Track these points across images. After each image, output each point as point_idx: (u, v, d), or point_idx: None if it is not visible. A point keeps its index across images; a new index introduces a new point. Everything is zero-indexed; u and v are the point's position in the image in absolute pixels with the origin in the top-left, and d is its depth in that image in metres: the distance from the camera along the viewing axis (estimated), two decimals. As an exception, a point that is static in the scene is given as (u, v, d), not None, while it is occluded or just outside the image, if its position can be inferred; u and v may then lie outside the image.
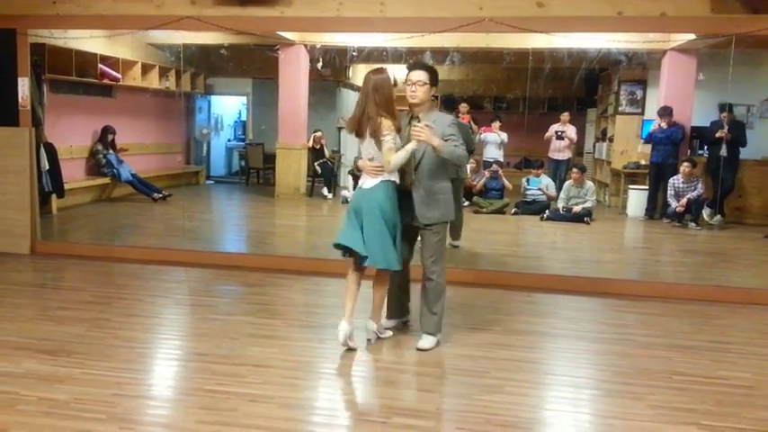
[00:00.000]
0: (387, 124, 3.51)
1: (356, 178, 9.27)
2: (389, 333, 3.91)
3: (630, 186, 8.99)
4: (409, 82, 3.64)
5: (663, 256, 7.03)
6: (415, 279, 3.96)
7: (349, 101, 11.80)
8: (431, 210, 3.65)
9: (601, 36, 6.23)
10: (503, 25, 4.97)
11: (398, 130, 3.60)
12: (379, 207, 3.54)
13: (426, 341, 3.73)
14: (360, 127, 3.60)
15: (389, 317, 4.02)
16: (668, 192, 8.19)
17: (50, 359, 3.40)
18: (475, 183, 9.35)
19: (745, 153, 8.22)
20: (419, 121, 3.57)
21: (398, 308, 4.04)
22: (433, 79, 3.66)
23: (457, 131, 3.64)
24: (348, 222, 3.65)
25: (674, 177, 8.15)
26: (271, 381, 3.22)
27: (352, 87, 11.88)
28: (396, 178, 3.63)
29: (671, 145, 8.36)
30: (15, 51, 5.72)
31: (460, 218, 6.38)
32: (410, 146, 3.54)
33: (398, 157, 3.52)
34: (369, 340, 3.78)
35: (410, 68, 3.70)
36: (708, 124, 8.37)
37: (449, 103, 6.69)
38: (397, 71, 12.01)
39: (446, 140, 3.53)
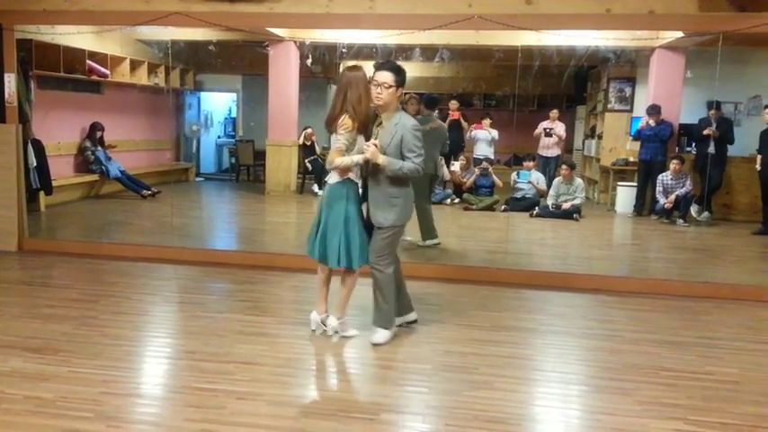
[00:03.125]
0: (346, 123, 3.50)
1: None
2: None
3: (619, 183, 9.04)
4: (375, 83, 3.54)
5: (651, 252, 7.07)
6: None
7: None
8: (385, 213, 3.60)
9: (589, 33, 6.25)
10: (492, 22, 4.98)
11: (363, 131, 3.57)
12: (344, 208, 3.60)
13: (378, 335, 3.71)
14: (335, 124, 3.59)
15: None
16: (657, 188, 8.24)
17: (37, 357, 3.37)
18: (465, 180, 9.38)
19: (732, 150, 8.29)
20: (381, 125, 3.60)
21: (398, 307, 3.89)
22: (400, 81, 3.53)
23: (419, 140, 3.54)
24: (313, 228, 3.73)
25: (663, 174, 8.20)
26: (259, 378, 3.21)
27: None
28: (356, 178, 3.63)
29: (659, 142, 8.42)
30: (1, 47, 5.67)
31: (428, 215, 6.26)
32: (357, 157, 3.54)
33: (342, 162, 3.52)
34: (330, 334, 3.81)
35: (377, 68, 3.59)
36: (696, 121, 8.43)
37: (431, 103, 6.63)
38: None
39: (407, 155, 3.50)
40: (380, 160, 3.48)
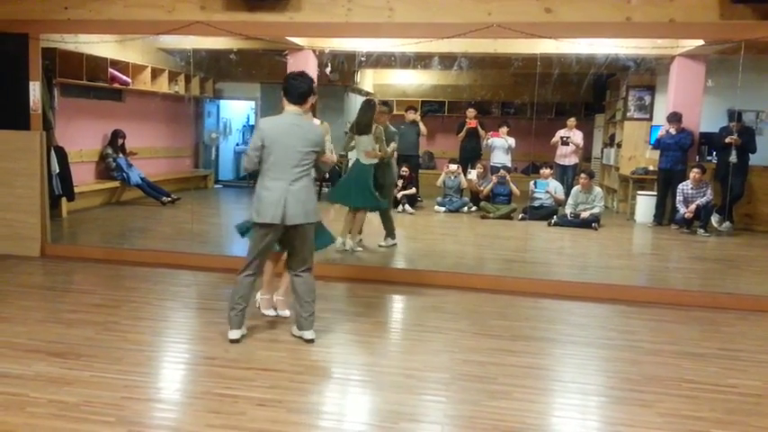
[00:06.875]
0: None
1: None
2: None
3: (639, 192, 8.96)
4: None
5: (671, 262, 7.00)
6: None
7: (356, 105, 11.81)
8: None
9: (609, 42, 6.22)
10: (511, 31, 4.99)
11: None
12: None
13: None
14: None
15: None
16: (677, 198, 8.15)
17: (60, 362, 3.42)
18: (482, 188, 9.36)
19: (754, 159, 8.18)
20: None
21: None
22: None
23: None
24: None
25: (683, 183, 8.11)
26: (279, 385, 3.23)
27: (360, 92, 11.91)
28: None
29: (680, 151, 8.33)
30: (27, 56, 5.78)
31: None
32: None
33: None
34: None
35: None
36: (717, 130, 8.34)
37: (369, 107, 6.34)
38: (403, 76, 12.12)
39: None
40: None
